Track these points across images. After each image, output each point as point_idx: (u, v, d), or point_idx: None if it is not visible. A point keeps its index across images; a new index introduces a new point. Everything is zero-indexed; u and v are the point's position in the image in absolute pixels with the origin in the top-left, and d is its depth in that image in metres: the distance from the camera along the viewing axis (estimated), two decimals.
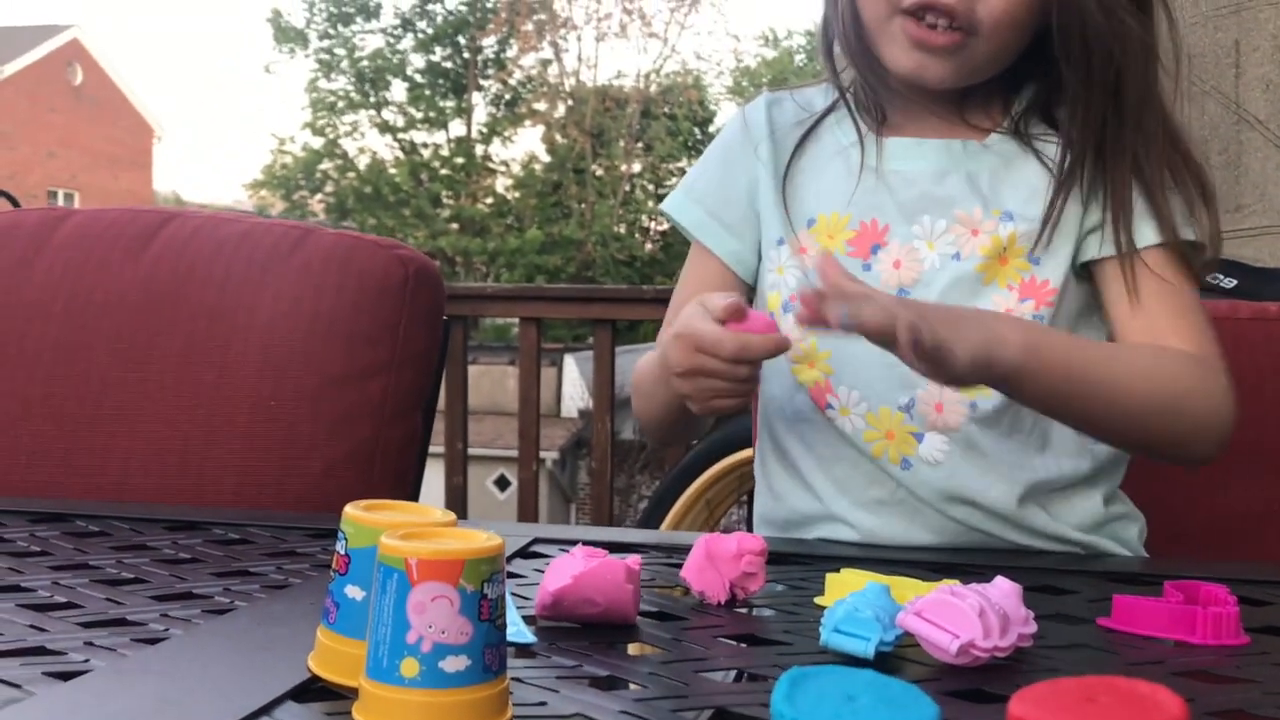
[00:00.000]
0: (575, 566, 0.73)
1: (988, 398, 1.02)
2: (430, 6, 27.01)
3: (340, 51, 27.19)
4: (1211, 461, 1.02)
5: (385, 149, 27.45)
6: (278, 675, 0.62)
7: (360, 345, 1.25)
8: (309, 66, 27.89)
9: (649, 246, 26.52)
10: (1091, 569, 0.96)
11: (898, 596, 0.72)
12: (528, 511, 3.30)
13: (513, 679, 0.60)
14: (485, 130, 27.41)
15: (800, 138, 1.12)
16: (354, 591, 0.60)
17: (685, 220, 1.15)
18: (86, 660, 0.65)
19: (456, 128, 27.50)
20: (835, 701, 0.51)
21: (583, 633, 0.73)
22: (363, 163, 27.07)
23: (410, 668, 0.53)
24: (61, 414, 1.28)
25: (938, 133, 1.07)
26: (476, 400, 4.62)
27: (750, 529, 1.18)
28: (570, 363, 14.49)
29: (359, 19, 27.01)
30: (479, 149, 27.35)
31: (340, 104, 27.29)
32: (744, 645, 0.73)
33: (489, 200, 27.18)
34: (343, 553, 0.61)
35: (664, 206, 1.18)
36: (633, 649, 0.72)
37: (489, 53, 27.34)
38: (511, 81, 27.47)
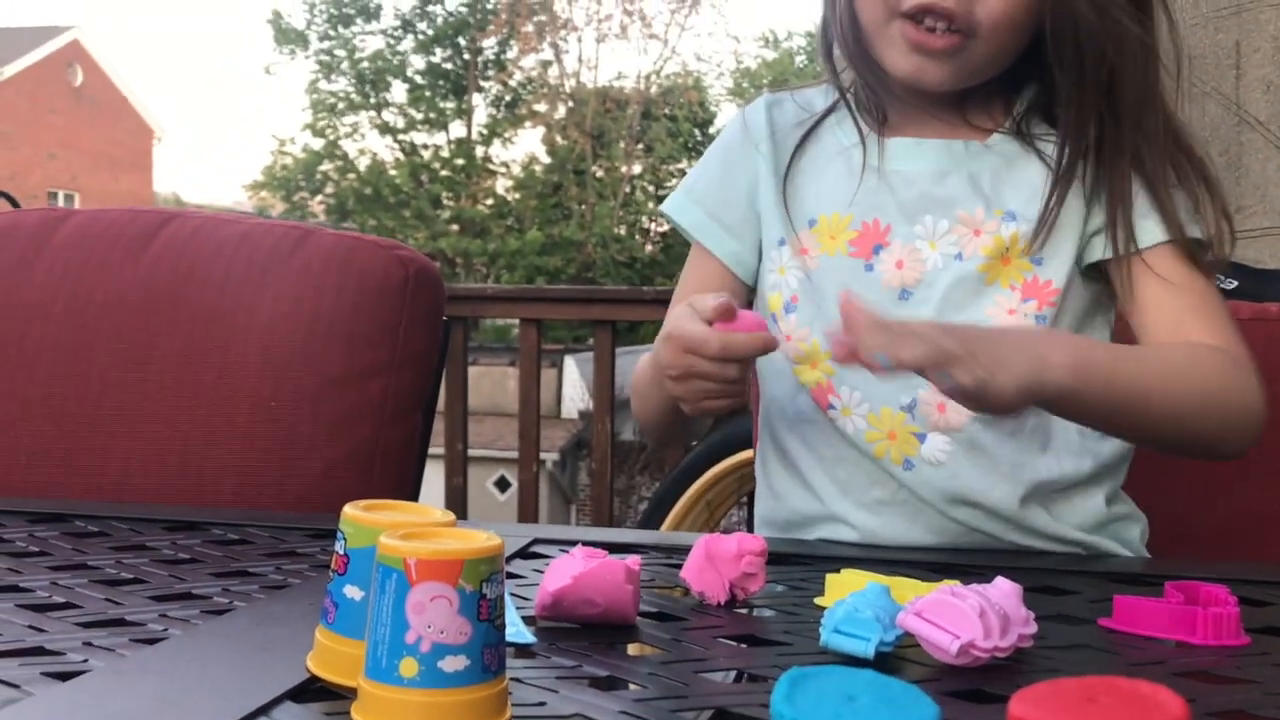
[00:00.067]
0: (575, 567, 0.73)
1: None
2: (430, 8, 27.03)
3: (340, 53, 27.21)
4: (1242, 456, 1.01)
5: (385, 150, 27.49)
6: (277, 675, 0.62)
7: (360, 346, 1.25)
8: (309, 68, 27.93)
9: (649, 248, 26.53)
10: (1092, 569, 0.96)
11: (898, 597, 0.72)
12: (528, 512, 3.30)
13: (512, 679, 0.60)
14: (485, 131, 27.42)
15: (801, 138, 1.12)
16: (353, 591, 0.60)
17: (685, 221, 1.15)
18: (85, 660, 0.65)
19: (457, 129, 27.53)
20: (835, 702, 0.51)
21: (582, 633, 0.73)
22: (363, 164, 27.09)
23: (409, 668, 0.53)
24: (61, 414, 1.28)
25: (939, 133, 1.07)
26: (476, 401, 4.62)
27: (751, 530, 1.18)
28: (570, 364, 14.49)
29: (359, 20, 27.03)
30: (479, 150, 27.36)
31: (340, 105, 27.31)
32: (744, 646, 0.73)
33: (489, 201, 27.19)
34: (342, 553, 0.61)
35: (664, 208, 1.18)
36: (632, 649, 0.72)
37: (489, 54, 27.36)
38: (512, 83, 27.49)
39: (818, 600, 0.81)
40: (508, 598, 0.72)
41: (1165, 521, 1.13)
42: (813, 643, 0.70)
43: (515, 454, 3.39)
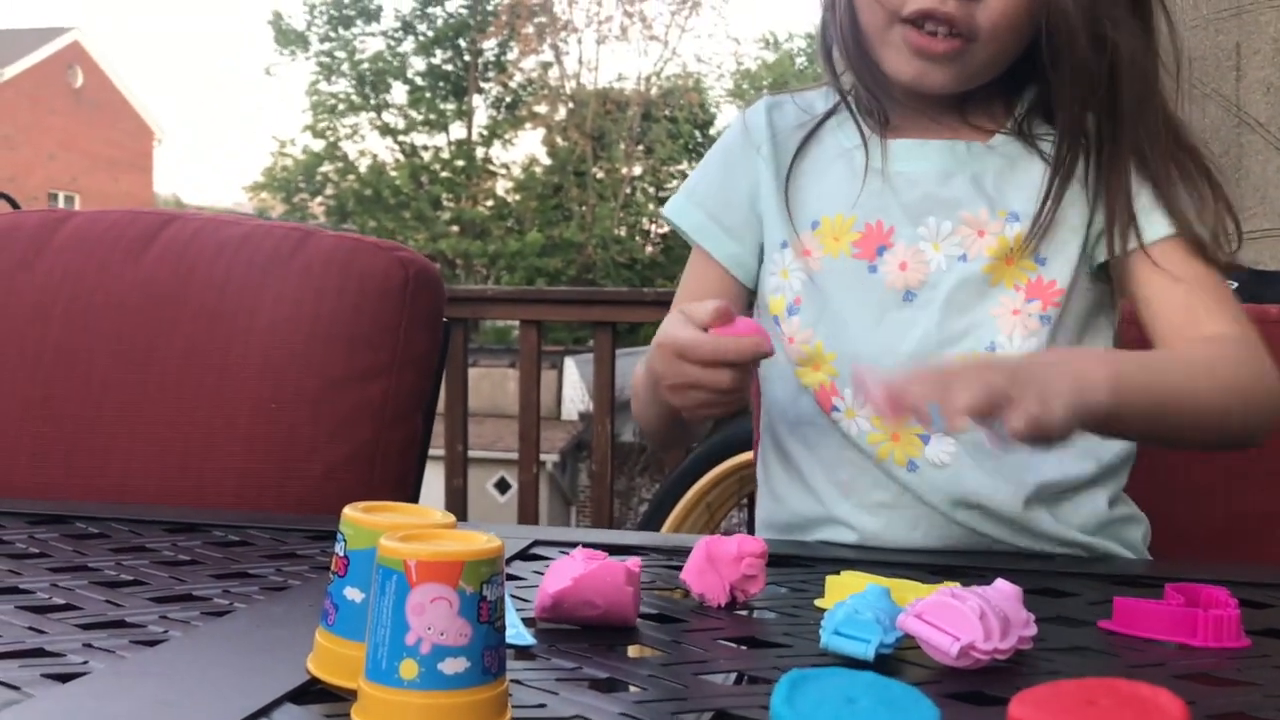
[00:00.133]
0: (575, 569, 0.73)
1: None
2: (431, 9, 27.05)
3: (341, 54, 27.23)
4: (1262, 444, 1.01)
5: (386, 151, 27.52)
6: (277, 677, 0.62)
7: (360, 348, 1.25)
8: (310, 69, 27.95)
9: (649, 249, 26.55)
10: (1092, 571, 0.96)
11: (898, 599, 0.72)
12: (528, 514, 3.30)
13: (512, 681, 0.60)
14: (486, 133, 27.44)
15: (802, 140, 1.12)
16: (353, 593, 0.60)
17: (685, 224, 1.15)
18: (85, 662, 0.65)
19: (457, 130, 27.55)
20: (835, 704, 0.51)
21: (582, 635, 0.73)
22: (363, 165, 27.11)
23: (409, 669, 0.53)
24: (62, 416, 1.28)
25: (941, 134, 1.07)
26: (477, 403, 4.63)
27: (751, 532, 1.18)
28: (570, 365, 14.50)
29: (360, 22, 27.05)
30: (479, 152, 27.38)
31: (341, 106, 27.33)
32: (744, 648, 0.73)
33: (489, 203, 27.21)
34: (342, 554, 0.61)
35: (664, 211, 1.18)
36: (632, 651, 0.72)
37: (489, 55, 27.38)
38: (512, 84, 27.52)
39: (818, 602, 0.81)
40: (508, 599, 0.72)
41: (1165, 522, 1.13)
42: (813, 645, 0.70)
43: (515, 455, 3.39)
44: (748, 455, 2.68)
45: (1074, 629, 0.77)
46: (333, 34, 27.14)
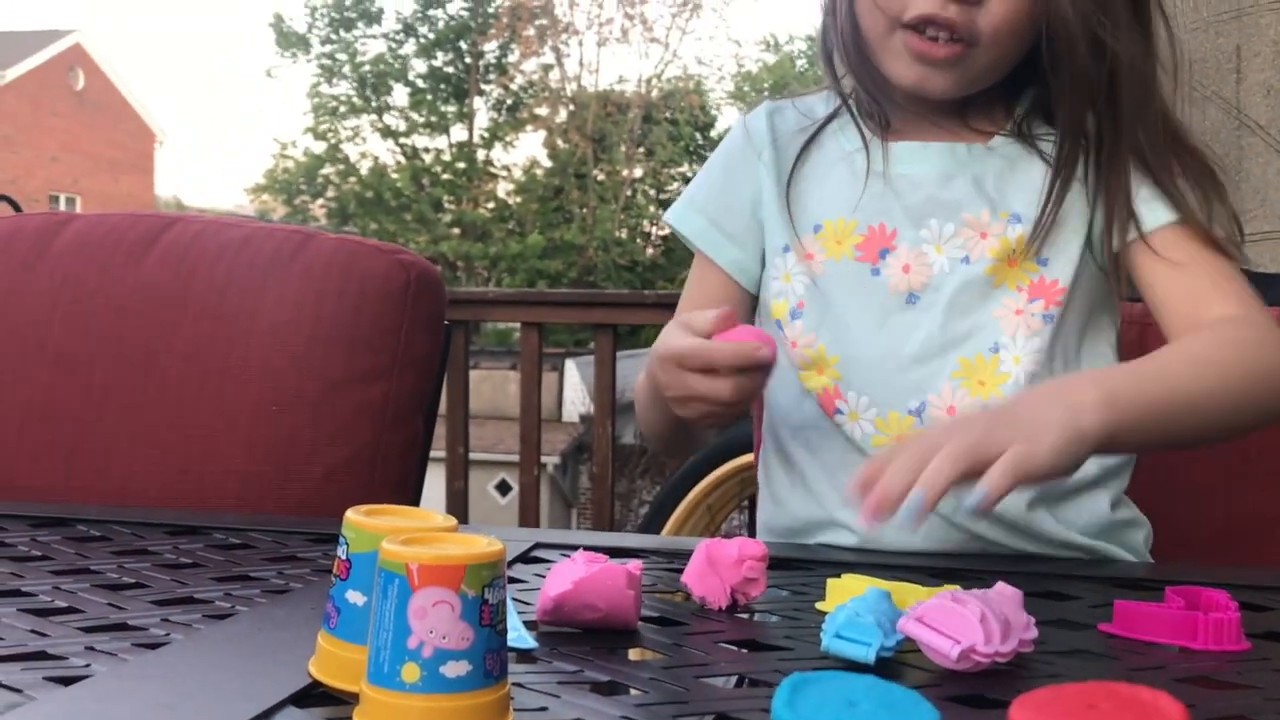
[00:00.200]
0: (576, 572, 0.73)
1: (1000, 399, 1.02)
2: (432, 12, 27.07)
3: (342, 56, 27.26)
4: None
5: (387, 154, 27.55)
6: (279, 680, 0.62)
7: (361, 350, 1.25)
8: (311, 71, 27.98)
9: (650, 251, 26.55)
10: (1093, 574, 0.96)
11: (899, 602, 0.72)
12: (529, 516, 3.30)
13: (514, 684, 0.60)
14: (487, 135, 27.46)
15: (803, 145, 1.12)
16: (355, 597, 0.60)
17: (687, 230, 1.15)
18: (87, 665, 0.66)
19: (458, 132, 27.57)
20: (836, 707, 0.51)
21: (584, 638, 0.73)
22: (364, 167, 27.14)
23: (411, 673, 0.53)
24: (63, 418, 1.28)
25: (941, 137, 1.08)
26: (478, 405, 4.62)
27: (752, 535, 1.18)
28: (571, 367, 14.50)
29: (361, 24, 27.07)
30: (480, 154, 27.40)
31: (342, 109, 27.36)
32: (745, 650, 0.73)
33: (490, 205, 27.23)
34: (344, 558, 0.61)
35: (666, 217, 1.18)
36: (634, 654, 0.72)
37: (490, 58, 27.40)
38: (513, 86, 27.54)
39: (819, 605, 0.81)
40: (509, 602, 0.72)
41: (1165, 523, 1.13)
42: (814, 648, 0.70)
43: (516, 457, 3.40)
44: (748, 458, 2.68)
45: (1074, 632, 0.77)
46: (334, 36, 27.17)
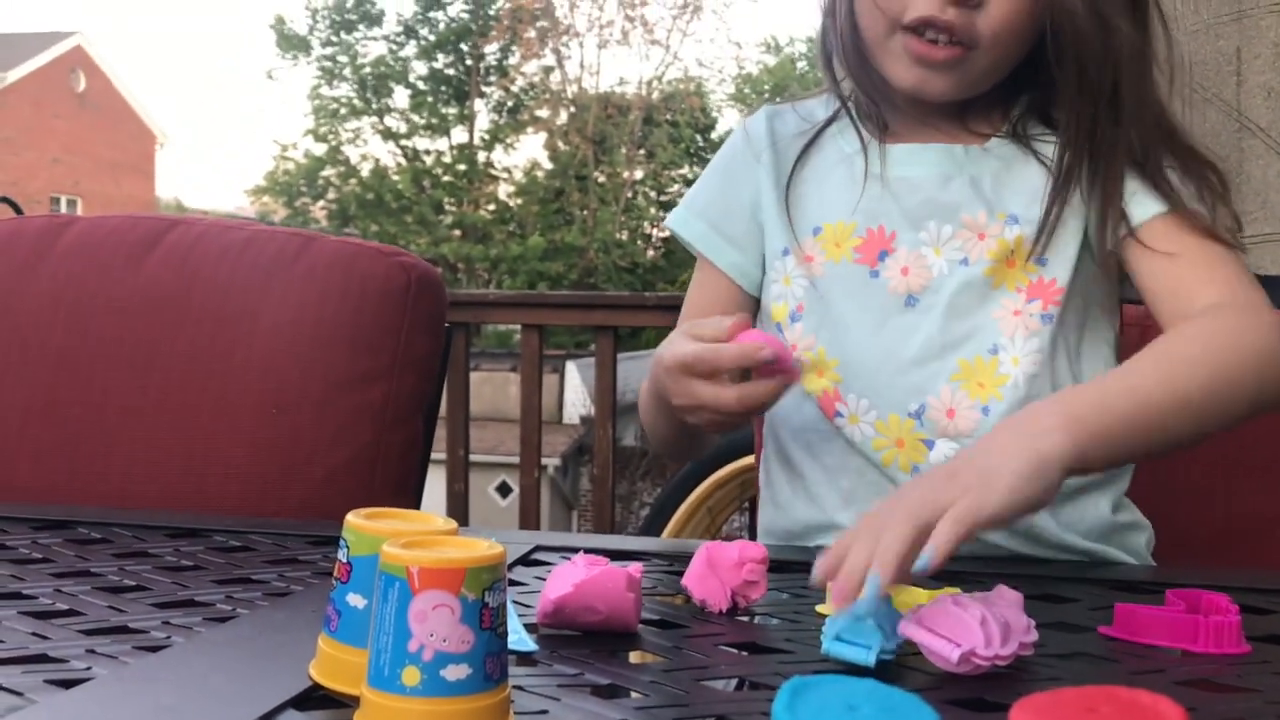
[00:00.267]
0: (577, 574, 0.73)
1: (1000, 400, 1.02)
2: (433, 14, 27.08)
3: (343, 58, 27.27)
4: None
5: (388, 156, 27.55)
6: (279, 683, 0.62)
7: (362, 352, 1.25)
8: (311, 73, 28.00)
9: (651, 253, 26.56)
10: (1093, 577, 0.96)
11: (899, 605, 0.72)
12: (529, 518, 3.30)
13: (514, 687, 0.60)
14: (487, 137, 27.47)
15: (803, 148, 1.12)
16: (355, 600, 0.60)
17: (688, 235, 1.15)
18: (88, 668, 0.66)
19: (459, 134, 27.58)
20: (837, 711, 0.51)
21: (584, 641, 0.73)
22: (365, 169, 27.15)
23: (411, 676, 0.53)
24: (64, 420, 1.28)
25: (938, 139, 1.08)
26: (478, 407, 4.62)
27: (753, 537, 1.18)
28: (572, 369, 14.49)
29: (361, 26, 27.09)
30: (481, 156, 27.41)
31: (343, 111, 27.37)
32: (745, 653, 0.73)
33: (491, 207, 27.24)
34: (344, 561, 0.61)
35: (668, 222, 1.18)
36: (634, 657, 0.72)
37: (491, 59, 27.41)
38: (514, 88, 27.54)
39: (819, 608, 0.81)
40: (509, 605, 0.72)
41: (1166, 524, 1.13)
42: (814, 650, 0.70)
43: (517, 459, 3.40)
44: (749, 460, 2.69)
45: (1075, 635, 0.77)
46: (334, 38, 27.18)
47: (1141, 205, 1.01)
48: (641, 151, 26.87)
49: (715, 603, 0.80)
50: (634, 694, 0.64)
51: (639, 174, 27.22)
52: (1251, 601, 0.83)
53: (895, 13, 0.99)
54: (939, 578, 0.89)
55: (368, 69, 27.06)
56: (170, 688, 0.63)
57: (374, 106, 27.24)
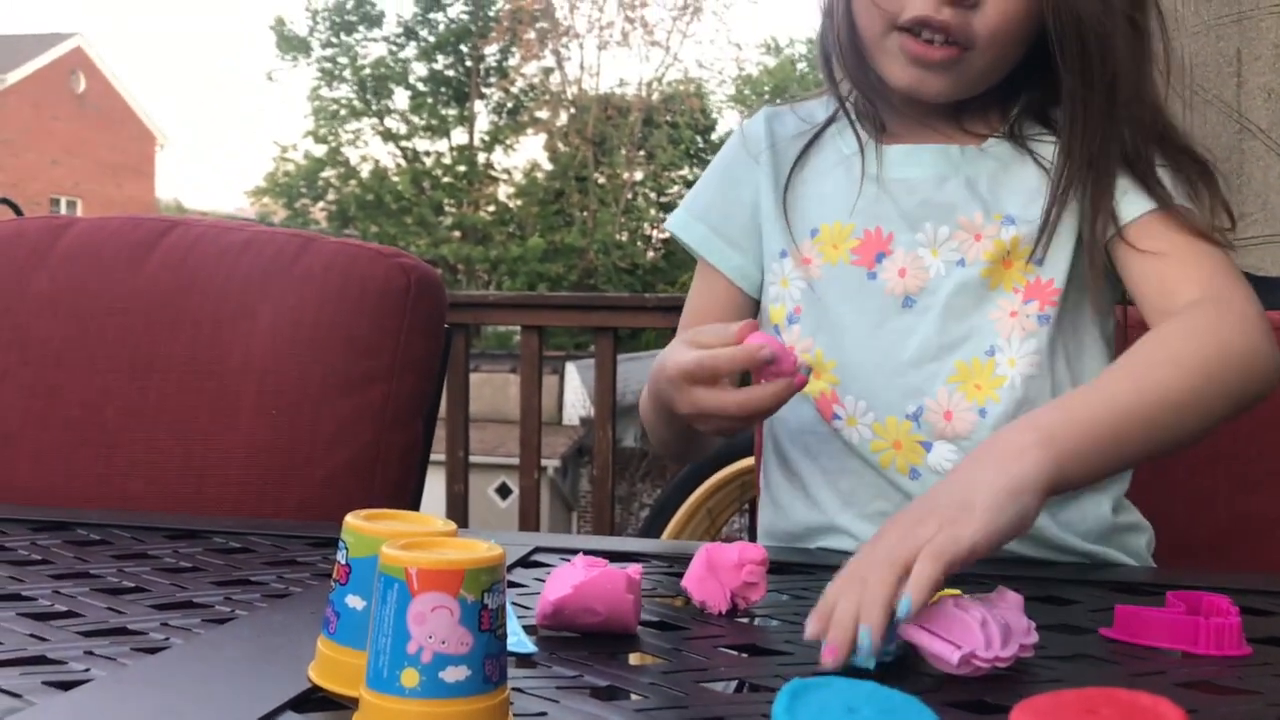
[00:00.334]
0: (576, 576, 0.73)
1: (997, 402, 1.01)
2: (432, 15, 27.09)
3: (343, 60, 27.28)
4: (1276, 386, 0.94)
5: (387, 157, 27.56)
6: (278, 685, 0.62)
7: (362, 353, 1.25)
8: (311, 74, 28.00)
9: (651, 254, 26.56)
10: (1094, 579, 0.96)
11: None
12: (529, 520, 3.30)
13: (513, 689, 0.60)
14: (487, 138, 27.47)
15: (802, 149, 1.12)
16: (354, 601, 0.60)
17: (688, 237, 1.15)
18: (87, 670, 0.65)
19: (459, 136, 27.58)
20: (836, 713, 0.51)
21: (583, 642, 0.73)
22: (365, 170, 27.15)
23: (410, 678, 0.53)
24: (64, 421, 1.28)
25: (935, 140, 1.07)
26: (478, 408, 4.62)
27: (753, 539, 1.18)
28: (572, 370, 14.49)
29: (361, 27, 27.10)
30: (481, 157, 27.41)
31: (343, 112, 27.37)
32: (745, 655, 0.73)
33: (491, 208, 27.24)
34: (343, 562, 0.61)
35: (668, 225, 1.18)
36: (634, 659, 0.72)
37: (491, 61, 27.42)
38: (514, 89, 27.54)
39: None
40: (509, 607, 0.72)
41: (1167, 525, 1.13)
42: (814, 652, 0.70)
43: (516, 461, 3.40)
44: (749, 461, 2.68)
45: (1075, 637, 0.77)
46: (335, 40, 27.19)
47: (1132, 204, 1.01)
48: (641, 153, 26.88)
49: (715, 604, 0.80)
50: (633, 696, 0.64)
51: (639, 175, 27.23)
52: (1252, 603, 0.83)
53: (891, 12, 0.99)
54: None
55: (368, 70, 27.06)
56: (169, 689, 0.63)
57: (374, 108, 27.25)
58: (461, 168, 27.02)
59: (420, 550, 0.55)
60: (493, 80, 27.43)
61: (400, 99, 27.33)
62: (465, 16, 27.05)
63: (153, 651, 0.68)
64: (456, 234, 26.42)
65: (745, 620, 0.80)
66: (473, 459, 3.42)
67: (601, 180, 26.32)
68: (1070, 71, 1.00)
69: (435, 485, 1.98)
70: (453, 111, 27.32)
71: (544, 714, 0.60)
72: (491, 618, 0.54)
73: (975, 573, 0.92)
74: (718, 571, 0.81)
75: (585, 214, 25.78)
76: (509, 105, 27.61)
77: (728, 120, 27.80)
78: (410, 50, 27.31)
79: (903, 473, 1.04)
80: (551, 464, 12.97)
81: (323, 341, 1.25)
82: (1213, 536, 1.25)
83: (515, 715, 0.58)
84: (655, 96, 26.78)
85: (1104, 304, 1.08)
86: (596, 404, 3.35)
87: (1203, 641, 0.73)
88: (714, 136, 26.78)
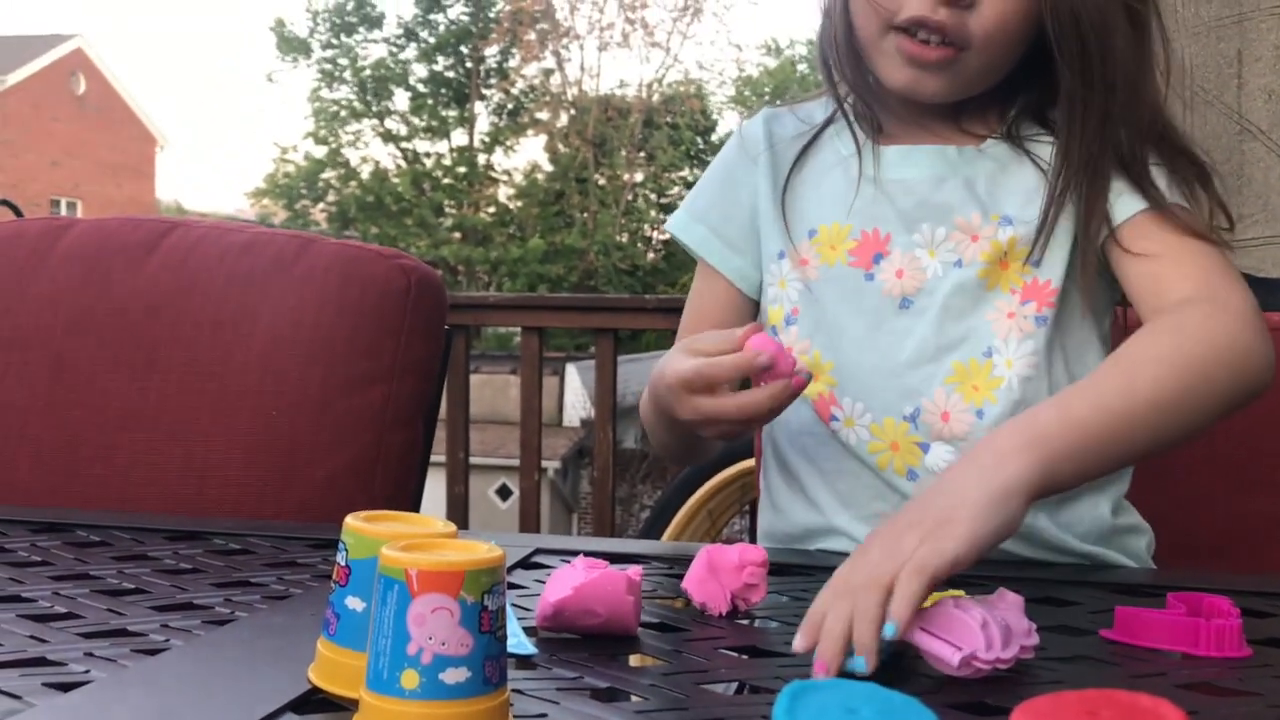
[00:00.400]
0: (576, 577, 0.73)
1: (995, 403, 1.01)
2: (433, 16, 27.10)
3: (343, 61, 27.28)
4: (1270, 385, 0.94)
5: (388, 158, 27.56)
6: (278, 686, 0.62)
7: (362, 354, 1.25)
8: (311, 76, 28.00)
9: (651, 255, 26.56)
10: (1094, 580, 0.96)
11: None
12: (529, 521, 3.30)
13: (513, 691, 0.60)
14: (488, 139, 27.48)
15: (800, 150, 1.12)
16: (354, 603, 0.60)
17: (688, 239, 1.15)
18: (87, 671, 0.65)
19: (459, 137, 27.58)
20: (836, 714, 0.51)
21: (583, 644, 0.73)
22: (365, 172, 27.15)
23: (410, 679, 0.53)
24: (64, 423, 1.28)
25: (932, 140, 1.07)
26: (478, 409, 4.62)
27: (753, 541, 1.18)
28: (572, 372, 14.49)
29: (362, 29, 27.10)
30: (481, 158, 27.41)
31: (343, 113, 27.37)
32: (745, 657, 0.73)
33: (491, 209, 27.25)
34: (343, 564, 0.61)
35: (668, 226, 1.18)
36: (634, 660, 0.72)
37: (491, 62, 27.42)
38: (514, 91, 27.54)
39: None
40: (509, 608, 0.72)
41: (1167, 527, 1.13)
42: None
43: (517, 462, 3.40)
44: (749, 463, 2.68)
45: (1076, 638, 0.77)
46: (335, 41, 27.19)
47: (1126, 204, 1.01)
48: (641, 154, 26.88)
49: (715, 606, 0.80)
50: (633, 697, 0.64)
51: (639, 176, 27.22)
52: (1253, 605, 0.83)
53: (888, 13, 0.99)
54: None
55: (368, 71, 27.07)
56: (169, 691, 0.63)
57: (374, 109, 27.26)
58: (462, 169, 27.03)
59: (420, 552, 0.55)
60: (493, 81, 27.44)
61: (400, 100, 27.36)
62: (465, 18, 27.06)
63: (153, 653, 0.68)
64: (457, 235, 26.43)
65: (745, 622, 0.80)
66: (473, 460, 3.42)
67: (602, 181, 26.32)
68: (1070, 72, 0.99)
69: (435, 486, 1.98)
70: (453, 113, 27.33)
71: (544, 715, 0.60)
72: (492, 619, 0.54)
73: (976, 574, 0.92)
74: (718, 573, 0.81)
75: (585, 215, 25.78)
76: (509, 106, 27.61)
77: (728, 121, 27.80)
78: (410, 51, 27.32)
79: (900, 474, 1.04)
80: (552, 465, 12.97)
81: (323, 342, 1.25)
82: (1212, 537, 1.25)
83: (515, 717, 0.58)
84: (655, 98, 26.78)
85: (1101, 305, 1.07)
86: (597, 405, 3.35)
87: (1203, 643, 0.73)
88: (714, 138, 26.78)
